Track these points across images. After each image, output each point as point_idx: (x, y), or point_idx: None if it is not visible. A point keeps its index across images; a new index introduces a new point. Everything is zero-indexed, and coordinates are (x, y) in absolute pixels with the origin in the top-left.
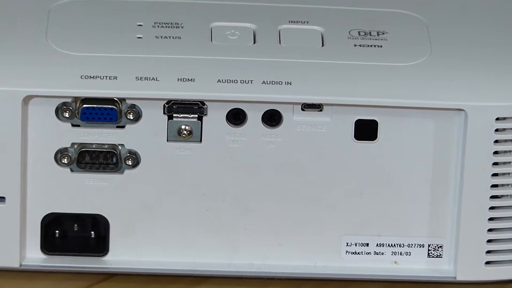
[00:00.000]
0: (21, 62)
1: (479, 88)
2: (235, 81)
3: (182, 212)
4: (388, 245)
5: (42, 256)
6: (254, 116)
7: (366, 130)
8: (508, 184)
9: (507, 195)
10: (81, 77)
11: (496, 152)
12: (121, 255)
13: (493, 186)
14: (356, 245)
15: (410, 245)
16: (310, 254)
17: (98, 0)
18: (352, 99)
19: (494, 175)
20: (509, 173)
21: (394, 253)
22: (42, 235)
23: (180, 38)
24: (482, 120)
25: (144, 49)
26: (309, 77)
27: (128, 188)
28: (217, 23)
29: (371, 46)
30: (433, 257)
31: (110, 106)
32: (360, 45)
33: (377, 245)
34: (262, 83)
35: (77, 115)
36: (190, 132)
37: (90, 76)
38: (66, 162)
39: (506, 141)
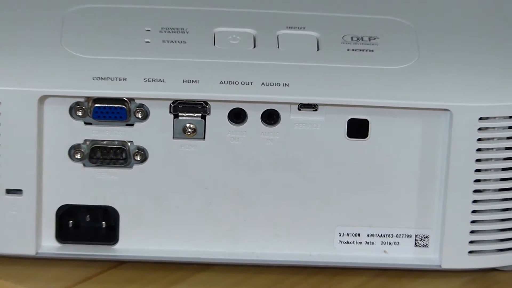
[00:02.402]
0: (37, 64)
1: (464, 90)
2: (236, 83)
3: (186, 204)
4: (378, 235)
5: (56, 244)
6: (253, 115)
7: (358, 129)
8: (489, 179)
9: (489, 189)
10: (93, 79)
11: (479, 150)
12: (130, 244)
13: (476, 181)
14: (348, 235)
15: (399, 236)
16: (305, 243)
17: (108, 7)
18: (345, 99)
19: (477, 170)
20: (491, 169)
21: (383, 242)
22: (56, 225)
23: (185, 42)
24: (466, 119)
25: (151, 53)
26: (305, 79)
27: (136, 182)
28: (220, 28)
29: (363, 50)
30: (419, 246)
31: (120, 105)
32: (352, 50)
33: (367, 235)
34: (262, 84)
35: (89, 113)
36: (194, 130)
37: (102, 78)
38: (79, 157)
39: (488, 139)
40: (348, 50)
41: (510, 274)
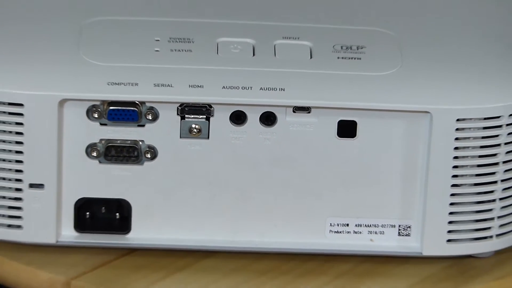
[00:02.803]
0: (57, 70)
1: (442, 94)
2: (237, 88)
3: (192, 197)
4: (365, 225)
5: (74, 233)
6: (253, 117)
7: (347, 129)
8: (466, 175)
9: (465, 184)
10: (108, 84)
11: (456, 148)
12: (141, 233)
13: (454, 176)
14: (338, 226)
15: (384, 226)
16: (300, 233)
17: (121, 19)
18: (335, 103)
19: (455, 167)
20: (467, 166)
21: (370, 232)
22: (75, 216)
23: (191, 51)
24: (445, 120)
25: (160, 60)
26: (300, 85)
27: (147, 177)
28: (222, 38)
29: (351, 58)
30: (402, 235)
31: (132, 108)
32: (342, 58)
33: (355, 225)
34: (260, 89)
35: (104, 115)
36: (199, 130)
37: (116, 83)
38: (95, 155)
39: (465, 138)
40: (338, 58)
41: (485, 260)
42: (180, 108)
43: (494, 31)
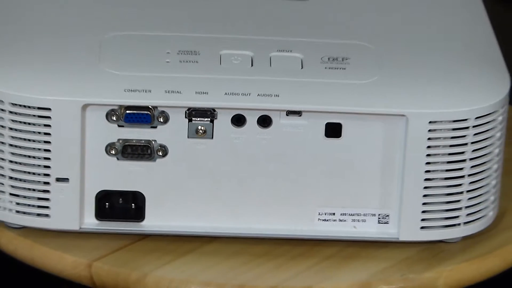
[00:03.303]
0: (81, 79)
1: (416, 99)
2: (238, 94)
3: (198, 189)
4: (349, 214)
5: (95, 221)
6: (251, 120)
7: (333, 130)
8: (437, 170)
9: (436, 178)
10: (124, 90)
11: (429, 147)
12: (153, 221)
13: (427, 171)
14: (325, 214)
15: (365, 214)
16: (292, 220)
17: (136, 34)
18: (323, 107)
19: (427, 163)
20: (438, 162)
21: (353, 220)
22: (95, 206)
23: (197, 62)
24: (419, 123)
25: (171, 70)
26: (292, 91)
27: (159, 172)
28: (225, 51)
29: (337, 68)
30: (382, 223)
31: (146, 112)
32: (329, 68)
33: (341, 214)
34: (257, 95)
35: (121, 118)
36: (205, 131)
37: (131, 90)
38: (113, 153)
39: (436, 138)
40: (325, 68)
41: (453, 245)
42: (187, 112)
43: (462, 44)
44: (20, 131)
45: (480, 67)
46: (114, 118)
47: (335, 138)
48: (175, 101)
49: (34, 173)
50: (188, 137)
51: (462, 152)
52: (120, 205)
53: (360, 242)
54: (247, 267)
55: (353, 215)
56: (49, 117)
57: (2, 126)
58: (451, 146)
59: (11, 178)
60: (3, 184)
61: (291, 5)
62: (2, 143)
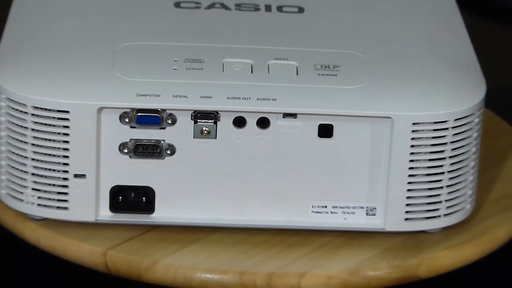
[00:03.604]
0: (96, 84)
1: (401, 103)
2: (239, 98)
3: (203, 185)
4: (340, 207)
5: (110, 213)
6: (251, 121)
7: (325, 131)
8: (419, 167)
9: (419, 174)
10: (136, 95)
11: (412, 146)
12: (162, 213)
13: (410, 168)
14: (318, 207)
15: (354, 207)
16: (289, 213)
17: (147, 44)
18: (316, 110)
19: (411, 161)
20: (420, 160)
21: (344, 212)
22: (110, 200)
23: (202, 69)
24: (403, 124)
25: (178, 77)
26: (288, 96)
27: (167, 169)
28: (227, 59)
29: (329, 75)
30: (369, 215)
31: (155, 114)
32: (322, 74)
33: (332, 207)
34: (257, 99)
35: (133, 120)
36: (209, 132)
37: (142, 94)
38: (126, 151)
39: (419, 138)
40: (318, 74)
41: (434, 235)
42: (193, 114)
43: (443, 54)
44: (41, 131)
45: (459, 74)
46: (127, 120)
47: (327, 138)
48: (182, 104)
49: (54, 170)
50: (193, 137)
51: (442, 151)
52: (132, 198)
53: (349, 232)
54: (248, 255)
55: (344, 208)
56: (67, 119)
57: (25, 127)
58: (432, 145)
59: (33, 174)
60: (26, 180)
61: (288, 18)
62: (25, 142)
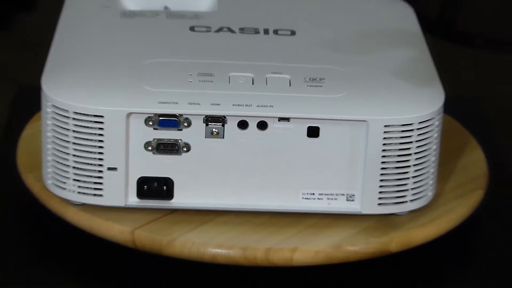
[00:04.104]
0: (126, 94)
1: (375, 109)
2: (242, 105)
3: (213, 176)
4: (325, 194)
5: (136, 199)
6: (252, 124)
7: (313, 132)
8: (390, 161)
9: (389, 167)
10: (158, 102)
11: (384, 144)
12: (180, 200)
13: (382, 162)
14: (307, 194)
15: (337, 194)
16: (283, 198)
17: (167, 61)
18: (306, 115)
19: (383, 156)
20: (390, 155)
21: (328, 198)
22: (137, 188)
23: (212, 81)
24: (377, 126)
25: (192, 87)
26: (282, 103)
27: (184, 163)
28: (233, 73)
29: (316, 86)
30: (349, 201)
31: (174, 118)
32: (310, 85)
33: (319, 194)
34: (257, 106)
35: (156, 123)
36: (218, 133)
37: (163, 102)
38: (150, 149)
39: (390, 138)
40: (307, 85)
41: (402, 217)
42: (205, 118)
43: (410, 68)
44: (81, 132)
45: (422, 85)
46: (150, 123)
47: (314, 138)
48: (196, 110)
49: (91, 164)
50: (205, 137)
51: (409, 148)
52: (155, 187)
53: (333, 215)
54: (250, 233)
55: (328, 194)
56: (102, 123)
57: (67, 129)
58: (400, 143)
59: (74, 167)
60: (68, 172)
61: (282, 39)
62: (67, 141)
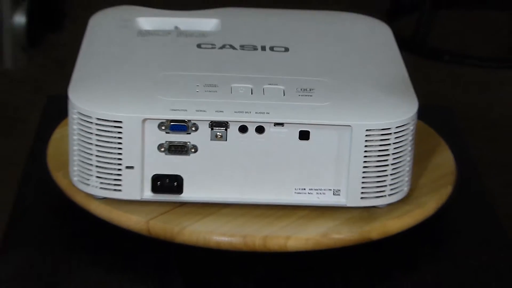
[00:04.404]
0: (142, 102)
1: (358, 115)
2: (242, 112)
3: (218, 173)
4: (314, 189)
5: (151, 194)
6: (251, 129)
7: (304, 135)
8: (371, 161)
9: (370, 166)
10: (170, 110)
11: (366, 146)
12: (188, 194)
13: (364, 161)
14: (299, 189)
15: (325, 189)
16: (278, 193)
17: (178, 74)
18: (297, 120)
19: (365, 156)
20: (371, 155)
21: (317, 193)
22: (151, 184)
23: (216, 91)
24: (359, 131)
25: (199, 97)
26: (277, 110)
27: (192, 162)
28: (234, 84)
29: (306, 95)
30: (336, 195)
31: (183, 123)
32: (301, 95)
33: (309, 189)
34: (255, 113)
35: (168, 128)
36: (221, 136)
37: (174, 109)
38: (162, 150)
39: (371, 140)
40: (298, 95)
41: (381, 209)
42: (210, 123)
43: (388, 80)
44: (102, 136)
45: (399, 95)
46: (163, 128)
47: (305, 140)
48: (202, 116)
49: (111, 163)
50: (210, 139)
51: (387, 149)
52: (166, 183)
53: (321, 207)
54: (249, 223)
55: (317, 190)
56: (121, 127)
57: (91, 133)
58: (380, 145)
59: (97, 166)
60: (91, 170)
61: (277, 55)
62: (91, 143)
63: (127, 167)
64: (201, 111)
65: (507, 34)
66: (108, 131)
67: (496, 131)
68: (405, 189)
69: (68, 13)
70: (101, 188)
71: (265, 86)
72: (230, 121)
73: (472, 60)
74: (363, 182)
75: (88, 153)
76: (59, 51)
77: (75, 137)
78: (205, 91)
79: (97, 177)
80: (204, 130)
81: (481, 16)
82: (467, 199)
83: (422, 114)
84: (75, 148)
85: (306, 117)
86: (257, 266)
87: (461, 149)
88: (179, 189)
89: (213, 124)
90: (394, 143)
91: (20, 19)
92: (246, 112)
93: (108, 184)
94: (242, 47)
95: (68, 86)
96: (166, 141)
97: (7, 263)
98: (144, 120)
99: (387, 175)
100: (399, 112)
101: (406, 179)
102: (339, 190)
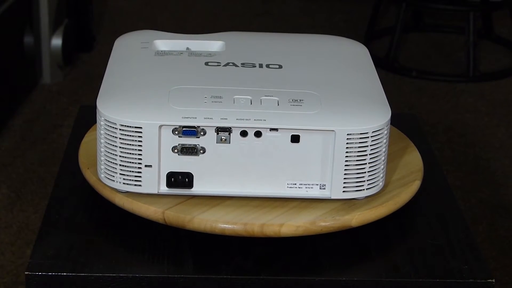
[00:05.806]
0: (159, 111)
1: (340, 122)
2: (243, 119)
3: (222, 171)
4: (304, 184)
5: (166, 188)
6: (251, 133)
7: (295, 139)
8: (351, 160)
9: (351, 165)
10: (182, 117)
11: (347, 147)
12: (198, 188)
13: (346, 161)
14: (291, 184)
15: (312, 184)
16: (273, 187)
17: (188, 87)
18: (290, 126)
19: (346, 157)
20: (350, 156)
21: (306, 187)
22: (166, 180)
23: (221, 102)
24: (342, 135)
25: (207, 107)
26: (272, 118)
27: (201, 162)
28: (236, 96)
29: (297, 105)
30: (322, 189)
31: (193, 129)
32: (293, 105)
33: (299, 184)
34: (254, 120)
35: (180, 132)
36: (226, 139)
37: (186, 117)
38: (176, 151)
39: (351, 143)
40: (290, 105)
41: (360, 201)
42: (216, 129)
43: (365, 92)
44: (125, 139)
45: (374, 105)
46: (176, 132)
47: (296, 143)
48: (209, 123)
49: (132, 162)
50: (216, 142)
51: (365, 150)
52: (179, 179)
53: (310, 199)
54: (249, 213)
55: (306, 184)
56: (140, 132)
57: (115, 137)
58: (359, 147)
59: (120, 165)
60: (116, 168)
61: (272, 71)
62: (115, 146)
63: (146, 166)
64: (208, 118)
65: (462, 54)
66: (130, 136)
67: (453, 134)
68: (381, 183)
69: (97, 36)
70: (124, 183)
71: (262, 97)
72: (233, 127)
73: (434, 75)
74: (345, 178)
75: (113, 154)
76: (89, 68)
77: (102, 141)
78: (212, 101)
79: (121, 174)
80: (211, 135)
81: (442, 38)
82: (432, 191)
83: (394, 120)
84: (102, 149)
85: (297, 123)
86: (256, 249)
87: (426, 149)
88: (190, 184)
89: (219, 130)
90: (371, 145)
91: (57, 41)
92: (246, 119)
93: (130, 180)
94: (243, 64)
95: (96, 97)
96: (179, 144)
97: (47, 245)
98: (161, 126)
99: (365, 172)
100: (375, 119)
101: (381, 175)
102: (325, 185)
